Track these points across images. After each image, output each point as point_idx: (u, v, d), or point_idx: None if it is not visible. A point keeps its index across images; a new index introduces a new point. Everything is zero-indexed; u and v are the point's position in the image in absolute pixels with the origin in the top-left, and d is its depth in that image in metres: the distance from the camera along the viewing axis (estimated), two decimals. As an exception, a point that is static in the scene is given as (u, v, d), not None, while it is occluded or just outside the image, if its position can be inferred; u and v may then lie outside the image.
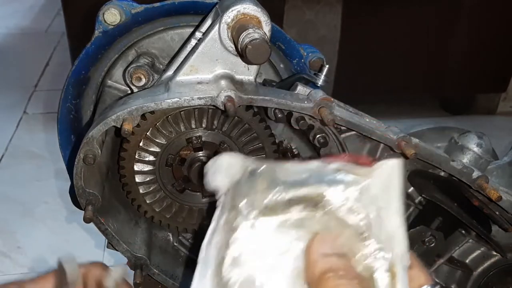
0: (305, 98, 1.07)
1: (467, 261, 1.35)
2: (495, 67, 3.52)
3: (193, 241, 1.26)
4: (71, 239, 2.47)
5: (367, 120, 1.13)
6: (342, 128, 1.13)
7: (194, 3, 1.13)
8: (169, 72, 1.08)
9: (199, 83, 1.03)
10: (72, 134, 1.22)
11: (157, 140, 1.04)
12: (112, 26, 1.11)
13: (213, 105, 1.00)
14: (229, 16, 0.99)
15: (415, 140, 1.12)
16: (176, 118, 1.03)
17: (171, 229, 1.20)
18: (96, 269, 0.85)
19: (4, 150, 3.21)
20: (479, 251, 1.34)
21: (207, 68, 1.04)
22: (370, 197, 0.64)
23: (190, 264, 1.25)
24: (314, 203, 0.64)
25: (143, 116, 1.00)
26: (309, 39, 3.14)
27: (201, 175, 1.07)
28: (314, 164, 0.67)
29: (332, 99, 1.06)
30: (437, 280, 1.35)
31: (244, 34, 0.93)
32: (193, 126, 1.04)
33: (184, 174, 1.09)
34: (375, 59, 3.33)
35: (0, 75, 4.21)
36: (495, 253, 1.33)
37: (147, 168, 1.06)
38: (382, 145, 1.16)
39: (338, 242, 0.63)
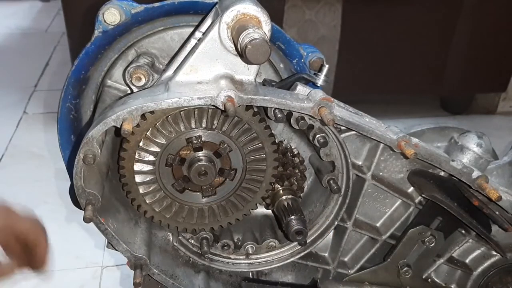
0: (305, 98, 1.07)
1: (467, 261, 1.36)
2: (495, 67, 3.52)
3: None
4: (71, 239, 2.47)
5: (367, 120, 1.13)
6: (342, 128, 1.13)
7: (194, 3, 1.13)
8: (169, 72, 1.08)
9: (199, 83, 1.03)
10: (72, 134, 1.22)
11: (157, 140, 1.04)
12: (112, 26, 1.11)
13: (213, 105, 1.00)
14: (229, 16, 0.99)
15: (415, 140, 1.12)
16: (176, 118, 1.03)
17: (171, 229, 1.20)
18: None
19: (4, 150, 3.21)
20: (479, 251, 1.35)
21: (207, 68, 1.04)
22: None
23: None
24: None
25: (143, 116, 1.00)
26: (309, 39, 3.14)
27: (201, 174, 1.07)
28: None
29: (332, 99, 1.06)
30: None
31: (244, 34, 0.93)
32: (193, 126, 1.04)
33: (184, 174, 1.08)
34: (375, 59, 3.33)
35: (0, 75, 4.21)
36: (495, 253, 1.33)
37: (147, 168, 1.06)
38: (382, 145, 1.16)
39: None
